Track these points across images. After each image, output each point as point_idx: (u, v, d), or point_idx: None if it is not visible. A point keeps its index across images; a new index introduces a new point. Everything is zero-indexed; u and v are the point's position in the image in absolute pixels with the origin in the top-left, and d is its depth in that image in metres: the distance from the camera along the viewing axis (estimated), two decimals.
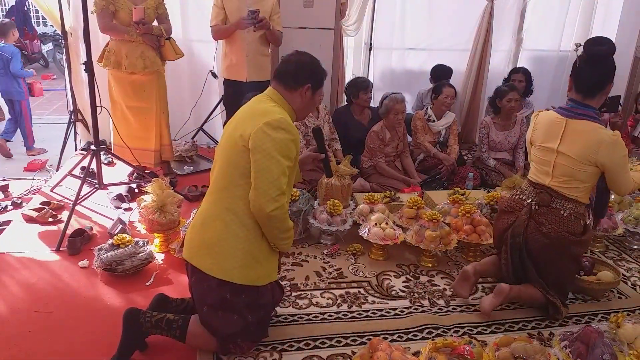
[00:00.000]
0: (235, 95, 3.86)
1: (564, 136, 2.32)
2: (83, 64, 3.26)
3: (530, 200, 2.45)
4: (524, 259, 2.46)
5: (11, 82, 4.83)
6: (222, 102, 4.48)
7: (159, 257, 2.86)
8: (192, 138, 4.64)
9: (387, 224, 3.04)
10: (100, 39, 4.51)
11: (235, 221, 1.98)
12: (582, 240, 2.38)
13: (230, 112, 4.10)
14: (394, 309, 2.51)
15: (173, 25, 3.84)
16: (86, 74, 3.31)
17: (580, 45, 2.36)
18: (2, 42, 4.82)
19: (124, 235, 2.76)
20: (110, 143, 4.59)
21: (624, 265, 3.07)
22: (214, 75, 4.56)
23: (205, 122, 4.68)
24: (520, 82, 4.81)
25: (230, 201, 1.99)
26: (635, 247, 3.27)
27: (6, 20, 5.43)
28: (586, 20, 5.63)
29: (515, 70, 4.95)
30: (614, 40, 2.34)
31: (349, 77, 5.11)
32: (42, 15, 6.18)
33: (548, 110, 2.52)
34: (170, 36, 3.71)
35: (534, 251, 2.42)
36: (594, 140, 2.24)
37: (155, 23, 3.65)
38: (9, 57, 4.80)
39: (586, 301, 2.66)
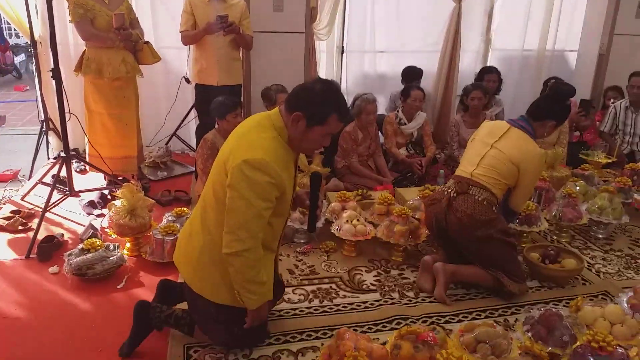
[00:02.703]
0: (207, 99, 3.88)
1: (503, 137, 2.63)
2: (50, 70, 3.25)
3: (450, 190, 2.63)
4: (455, 244, 2.63)
5: None
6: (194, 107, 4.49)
7: (130, 261, 2.86)
8: (166, 144, 4.64)
9: (358, 220, 3.09)
10: (71, 48, 4.53)
11: (213, 242, 1.93)
12: (491, 218, 2.51)
13: (202, 116, 4.13)
14: (365, 302, 2.55)
15: (145, 32, 3.86)
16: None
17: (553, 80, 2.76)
18: None
19: (94, 239, 2.75)
20: (83, 152, 4.59)
21: (589, 254, 3.15)
22: (187, 80, 4.57)
23: (178, 127, 4.68)
24: (494, 82, 4.92)
25: (211, 223, 1.95)
26: (600, 235, 3.37)
27: None
28: (553, 19, 5.77)
29: (489, 70, 5.03)
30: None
31: None
32: (14, 27, 6.15)
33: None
34: (147, 40, 3.73)
35: (455, 237, 2.58)
36: (525, 147, 2.59)
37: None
38: None
39: (551, 288, 2.73)
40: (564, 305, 2.55)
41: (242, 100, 4.18)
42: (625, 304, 2.35)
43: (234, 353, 2.11)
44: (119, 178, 3.76)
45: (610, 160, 4.42)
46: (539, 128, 2.67)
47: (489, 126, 2.77)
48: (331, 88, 1.92)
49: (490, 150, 2.61)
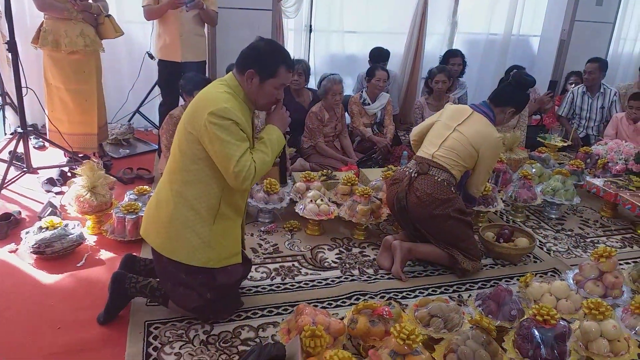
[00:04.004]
0: (170, 76, 3.83)
1: (466, 121, 2.71)
2: (5, 43, 3.13)
3: (411, 171, 2.71)
4: (414, 223, 2.71)
5: None
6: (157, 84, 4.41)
7: (91, 239, 2.83)
8: (129, 121, 4.56)
9: (322, 200, 3.14)
10: (27, 19, 4.35)
11: (185, 204, 2.01)
12: (449, 198, 2.60)
13: (165, 93, 4.07)
14: (326, 279, 2.61)
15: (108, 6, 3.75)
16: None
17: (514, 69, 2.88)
18: None
19: (52, 217, 2.71)
20: (43, 127, 4.46)
21: (542, 233, 3.30)
22: (151, 56, 4.47)
23: (141, 104, 4.60)
24: (458, 65, 5.00)
25: (181, 185, 2.01)
26: (552, 216, 3.52)
27: None
28: (519, 4, 5.87)
29: (454, 54, 5.11)
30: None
31: None
32: None
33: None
34: (110, 14, 3.62)
35: (414, 215, 2.66)
36: (486, 132, 2.67)
37: (90, 0, 3.54)
38: None
39: (505, 266, 2.86)
40: (515, 282, 2.68)
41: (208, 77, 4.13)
42: (571, 280, 2.50)
43: (195, 329, 2.14)
44: (80, 155, 3.69)
45: (565, 144, 4.60)
46: (499, 114, 2.76)
47: (451, 109, 2.83)
48: (274, 43, 2.11)
49: (453, 133, 2.68)
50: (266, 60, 2.00)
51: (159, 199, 2.10)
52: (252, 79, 2.00)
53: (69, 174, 3.56)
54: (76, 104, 3.59)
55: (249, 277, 2.56)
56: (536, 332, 1.88)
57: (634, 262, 2.90)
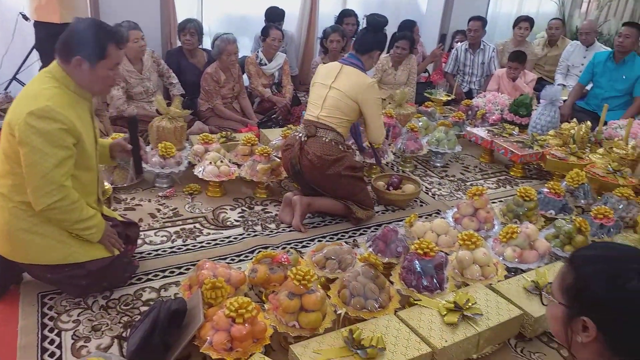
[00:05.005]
0: (49, 39, 3.52)
1: (338, 76, 2.80)
2: None
3: (300, 135, 2.80)
4: (309, 184, 2.83)
5: None
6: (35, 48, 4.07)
7: None
8: (5, 89, 4.18)
9: (222, 161, 3.15)
10: None
11: (18, 209, 1.89)
12: (338, 157, 2.74)
13: (45, 58, 3.78)
14: (228, 237, 2.67)
15: None
16: None
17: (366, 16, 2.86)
18: None
19: None
20: None
21: (428, 180, 3.60)
22: (25, 17, 4.10)
23: (18, 71, 4.23)
24: (353, 25, 5.13)
25: (9, 189, 1.89)
26: (437, 164, 3.84)
27: None
28: None
29: (348, 14, 5.24)
30: None
31: (181, 19, 4.96)
32: None
33: None
34: None
35: (309, 178, 2.79)
36: (358, 81, 2.76)
37: None
38: None
39: (394, 211, 3.10)
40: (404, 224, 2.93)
41: None
42: (450, 218, 2.78)
43: (94, 296, 2.11)
44: None
45: (450, 98, 4.96)
46: (367, 60, 2.88)
47: (324, 69, 2.91)
48: (96, 22, 2.02)
49: (330, 91, 2.77)
50: (91, 42, 1.85)
51: None
52: (80, 65, 1.85)
53: None
54: None
55: (147, 241, 2.55)
56: (417, 264, 2.10)
57: (506, 199, 3.27)
